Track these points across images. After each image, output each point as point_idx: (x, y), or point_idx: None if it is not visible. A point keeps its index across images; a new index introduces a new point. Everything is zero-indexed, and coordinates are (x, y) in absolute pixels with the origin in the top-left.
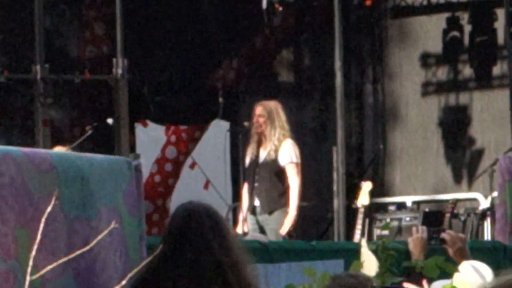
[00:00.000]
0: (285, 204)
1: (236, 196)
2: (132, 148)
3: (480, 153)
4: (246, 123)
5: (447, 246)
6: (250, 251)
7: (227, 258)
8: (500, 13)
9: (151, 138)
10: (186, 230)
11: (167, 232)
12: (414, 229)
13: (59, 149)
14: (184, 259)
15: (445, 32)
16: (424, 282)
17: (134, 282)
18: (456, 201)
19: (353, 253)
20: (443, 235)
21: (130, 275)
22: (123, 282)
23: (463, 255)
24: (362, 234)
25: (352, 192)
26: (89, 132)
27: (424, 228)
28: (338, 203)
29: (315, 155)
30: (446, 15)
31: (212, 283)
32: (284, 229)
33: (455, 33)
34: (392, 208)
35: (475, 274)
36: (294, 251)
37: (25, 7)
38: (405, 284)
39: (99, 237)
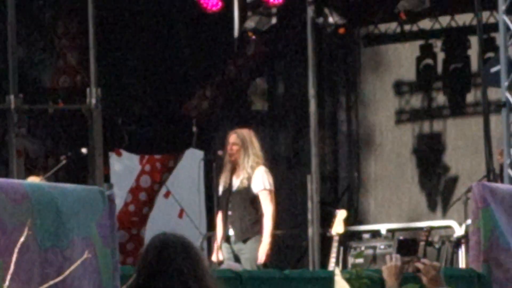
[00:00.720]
0: (259, 231)
1: (211, 225)
2: (107, 177)
3: (454, 180)
4: (220, 152)
5: (421, 274)
6: (224, 281)
7: (200, 287)
8: (474, 40)
9: (125, 167)
10: (159, 260)
11: (141, 263)
12: (388, 257)
13: (33, 180)
14: None
15: (419, 60)
16: None
17: None
18: (430, 229)
19: (327, 282)
20: (417, 264)
21: None
22: None
23: (437, 283)
24: (337, 263)
25: (326, 220)
26: (63, 162)
27: (398, 256)
28: (312, 231)
29: (290, 183)
30: (420, 42)
31: None
32: (260, 257)
33: (429, 60)
34: (366, 236)
35: None
36: (268, 280)
37: None
38: None
39: (72, 267)
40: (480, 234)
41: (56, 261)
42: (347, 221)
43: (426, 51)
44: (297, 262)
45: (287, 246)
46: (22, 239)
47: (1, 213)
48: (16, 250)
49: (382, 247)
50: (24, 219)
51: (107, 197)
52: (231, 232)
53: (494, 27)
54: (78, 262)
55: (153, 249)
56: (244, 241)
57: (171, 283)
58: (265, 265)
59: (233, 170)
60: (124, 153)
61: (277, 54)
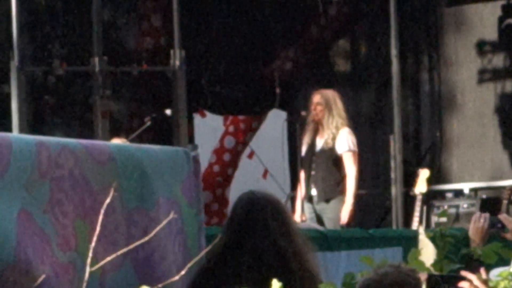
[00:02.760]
0: (342, 192)
1: (295, 185)
2: (191, 138)
3: None
4: (303, 113)
5: (505, 230)
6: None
7: (290, 246)
8: None
9: (209, 128)
10: (248, 219)
11: (229, 222)
12: (476, 216)
13: (117, 141)
14: (247, 247)
15: (501, 20)
16: (482, 270)
17: (196, 272)
18: None
19: (411, 241)
20: (499, 216)
21: (189, 265)
22: (182, 272)
23: None
24: (420, 222)
25: (409, 179)
26: (148, 123)
27: (487, 215)
28: (396, 190)
29: (372, 143)
30: (501, 2)
31: (274, 270)
32: (343, 217)
33: (511, 20)
34: (449, 195)
35: None
36: (352, 239)
37: (83, 1)
38: (463, 273)
39: (158, 228)
40: None
41: (141, 222)
42: (430, 180)
43: (508, 11)
44: (380, 221)
45: (371, 206)
46: (108, 200)
47: (87, 174)
48: (102, 211)
49: (465, 206)
50: (109, 180)
51: (192, 158)
52: (314, 192)
53: None
54: (164, 222)
55: (241, 207)
56: (327, 201)
57: (260, 241)
58: (348, 225)
59: (317, 130)
60: (208, 114)
61: (359, 15)
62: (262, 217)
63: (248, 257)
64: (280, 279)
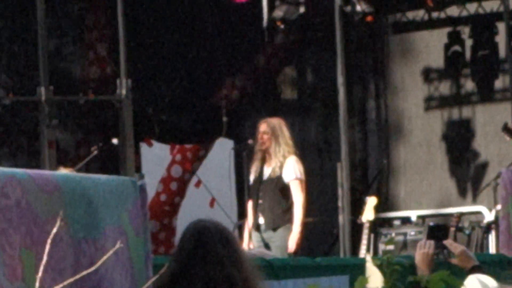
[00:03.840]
0: (289, 220)
1: (242, 213)
2: (138, 167)
3: (484, 166)
4: (250, 141)
5: (452, 256)
6: None
7: (239, 273)
8: (501, 27)
9: (156, 157)
10: (197, 247)
11: (178, 251)
12: (421, 243)
13: (63, 170)
14: (196, 274)
15: (447, 47)
16: None
17: None
18: (460, 215)
19: (358, 269)
20: (444, 242)
21: None
22: None
23: (468, 259)
24: (368, 249)
25: (357, 207)
26: (95, 152)
27: (432, 242)
28: (343, 218)
29: (320, 171)
30: (447, 29)
31: None
32: (290, 246)
33: (457, 47)
34: (397, 222)
35: (481, 287)
36: (299, 267)
37: (28, 30)
38: None
39: (105, 257)
40: (510, 220)
41: (88, 252)
42: (378, 208)
43: (454, 38)
44: (328, 249)
45: (318, 234)
46: (54, 230)
47: (34, 204)
48: (48, 241)
49: (412, 233)
50: (56, 210)
51: (138, 187)
52: (261, 220)
53: None
54: (111, 252)
55: (190, 236)
56: (274, 229)
57: (210, 270)
58: (295, 253)
59: (264, 159)
60: (155, 143)
61: (305, 43)
62: (211, 245)
63: (198, 285)
64: None
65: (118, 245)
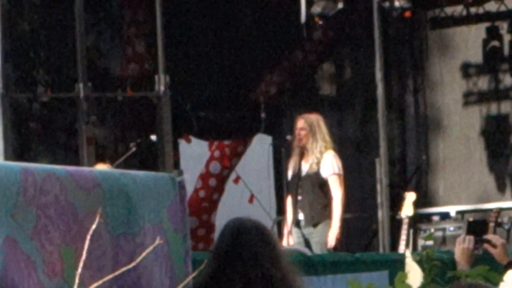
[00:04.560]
0: (329, 216)
1: (280, 209)
2: (176, 164)
3: None
4: (288, 137)
5: (490, 246)
6: (295, 264)
7: (277, 271)
8: None
9: (194, 153)
10: (235, 244)
11: (216, 248)
12: (460, 239)
13: (101, 167)
14: (234, 273)
15: (485, 42)
16: None
17: None
18: (500, 210)
19: (398, 264)
20: (486, 237)
21: None
22: None
23: (506, 254)
24: (407, 245)
25: (396, 203)
26: (133, 149)
27: (471, 238)
28: (382, 214)
29: (358, 167)
30: (486, 25)
31: None
32: (330, 241)
33: (495, 42)
34: (436, 218)
35: None
36: (338, 263)
37: (66, 26)
38: None
39: (144, 253)
40: None
41: (127, 248)
42: (417, 204)
43: (492, 33)
44: (367, 245)
45: (357, 230)
46: (93, 226)
47: (73, 201)
48: (88, 237)
49: (451, 229)
50: (95, 207)
51: (177, 183)
52: (301, 216)
53: None
54: (150, 248)
55: (229, 234)
56: (314, 225)
57: (248, 268)
58: (335, 249)
59: (302, 155)
60: (193, 140)
61: (343, 39)
62: (249, 244)
63: (235, 282)
64: None
65: (157, 242)
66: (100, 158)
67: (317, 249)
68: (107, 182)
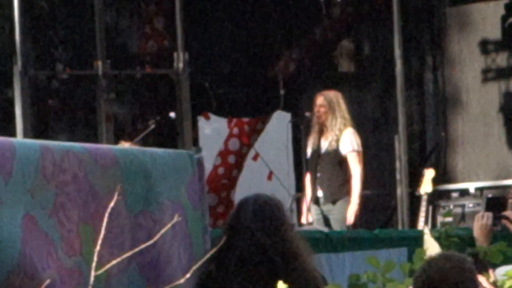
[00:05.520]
0: (348, 193)
1: (299, 187)
2: (195, 141)
3: None
4: (307, 114)
5: (510, 225)
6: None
7: (277, 245)
8: None
9: (213, 130)
10: (233, 220)
11: (225, 225)
12: (479, 215)
13: (123, 145)
14: (231, 246)
15: (504, 19)
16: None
17: (200, 274)
18: None
19: (416, 241)
20: (505, 213)
21: (194, 267)
22: (188, 275)
23: None
24: (426, 222)
25: (415, 179)
26: (152, 126)
27: (490, 214)
28: (401, 191)
29: (377, 143)
30: (504, 1)
31: (259, 270)
32: (349, 218)
33: None
34: (455, 194)
35: None
36: (357, 240)
37: (85, 4)
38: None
39: (163, 231)
40: None
41: (146, 225)
42: (436, 180)
43: (511, 9)
44: (386, 222)
45: (376, 206)
46: (112, 204)
47: (91, 178)
48: (106, 215)
49: (471, 205)
50: (114, 184)
51: (196, 160)
52: (320, 193)
53: None
54: (169, 225)
55: (233, 210)
56: (333, 202)
57: (242, 241)
58: (354, 225)
59: (321, 132)
60: (212, 117)
61: (362, 16)
62: (244, 217)
63: (232, 257)
64: (266, 280)
65: (176, 219)
66: (120, 135)
67: (336, 226)
68: (126, 160)
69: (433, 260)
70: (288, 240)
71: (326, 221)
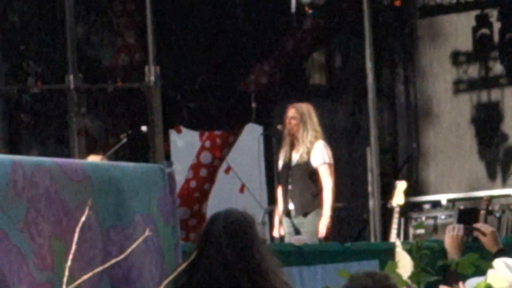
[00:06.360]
0: (319, 205)
1: (272, 199)
2: (167, 154)
3: None
4: (279, 126)
5: (480, 234)
6: (285, 255)
7: (240, 260)
8: None
9: (185, 144)
10: (204, 235)
11: (196, 239)
12: (450, 227)
13: (93, 158)
14: (203, 265)
15: (475, 30)
16: (461, 284)
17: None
18: (490, 198)
19: (388, 253)
20: (475, 225)
21: (165, 282)
22: None
23: (495, 242)
24: (398, 234)
25: (387, 192)
26: (124, 140)
27: (461, 226)
28: (373, 203)
29: (349, 156)
30: (475, 12)
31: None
32: (321, 231)
33: (485, 30)
34: (427, 206)
35: (508, 270)
36: (328, 253)
37: (57, 18)
38: (442, 287)
39: (134, 245)
40: None
41: (118, 240)
42: (408, 192)
43: (482, 21)
44: (358, 234)
45: (348, 219)
46: (83, 218)
47: (62, 193)
48: (77, 229)
49: (443, 217)
50: (85, 199)
51: (167, 174)
52: (291, 206)
53: None
54: (140, 239)
55: (204, 225)
56: (305, 214)
57: (211, 256)
58: (326, 238)
59: (292, 145)
60: (184, 130)
61: (334, 28)
62: (213, 233)
63: (201, 273)
64: None
65: (147, 233)
66: (92, 150)
67: (308, 239)
68: (97, 174)
69: (355, 277)
70: (258, 257)
71: (298, 233)
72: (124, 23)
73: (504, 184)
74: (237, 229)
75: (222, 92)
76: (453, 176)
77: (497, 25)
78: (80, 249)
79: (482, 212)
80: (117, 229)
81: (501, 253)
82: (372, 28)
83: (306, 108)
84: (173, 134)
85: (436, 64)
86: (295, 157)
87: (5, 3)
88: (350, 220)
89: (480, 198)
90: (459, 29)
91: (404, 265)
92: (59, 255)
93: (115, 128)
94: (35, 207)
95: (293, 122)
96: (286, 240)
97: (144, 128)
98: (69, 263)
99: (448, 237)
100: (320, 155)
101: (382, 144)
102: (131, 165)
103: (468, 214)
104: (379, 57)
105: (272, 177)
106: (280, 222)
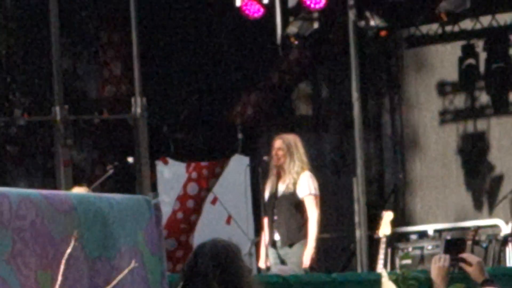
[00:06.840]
0: (304, 236)
1: (258, 230)
2: (154, 185)
3: (499, 179)
4: (265, 157)
5: (466, 265)
6: (272, 286)
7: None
8: None
9: (172, 175)
10: (190, 266)
11: (182, 269)
12: (435, 258)
13: (78, 190)
14: None
15: (461, 60)
16: None
17: None
18: (477, 228)
19: (375, 284)
20: (461, 255)
21: None
22: None
23: (482, 272)
24: (385, 264)
25: (373, 222)
26: (110, 171)
27: (447, 256)
28: (360, 233)
29: (336, 186)
30: (461, 43)
31: None
32: (305, 261)
33: (471, 60)
34: (414, 237)
35: None
36: (315, 283)
37: (43, 49)
38: None
39: (120, 276)
40: None
41: (104, 271)
42: (394, 223)
43: (468, 51)
44: (345, 265)
45: (335, 249)
46: (69, 250)
47: (48, 224)
48: (63, 261)
49: (429, 247)
50: (71, 230)
51: (153, 205)
52: (277, 237)
53: None
54: (126, 271)
55: (191, 256)
56: (290, 245)
57: (197, 285)
58: (312, 268)
59: (279, 175)
60: (171, 161)
61: (320, 59)
62: (200, 263)
63: None
64: None
65: (133, 264)
66: (78, 181)
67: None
68: (83, 206)
69: None
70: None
71: (283, 264)
72: (110, 55)
73: (490, 214)
74: (223, 260)
75: (209, 124)
76: (440, 206)
77: (483, 55)
78: (67, 281)
79: (469, 242)
80: (103, 261)
81: (487, 283)
82: (358, 58)
83: (293, 139)
84: (159, 165)
85: (422, 95)
86: (281, 187)
87: None
88: (337, 251)
89: (467, 228)
90: (445, 60)
91: None
92: (45, 287)
93: (102, 160)
94: (22, 238)
95: (280, 153)
96: (272, 271)
97: (130, 159)
98: None
99: (434, 267)
100: (306, 186)
101: (369, 174)
102: (117, 196)
103: (454, 245)
104: (365, 88)
105: (259, 208)
106: (267, 254)
